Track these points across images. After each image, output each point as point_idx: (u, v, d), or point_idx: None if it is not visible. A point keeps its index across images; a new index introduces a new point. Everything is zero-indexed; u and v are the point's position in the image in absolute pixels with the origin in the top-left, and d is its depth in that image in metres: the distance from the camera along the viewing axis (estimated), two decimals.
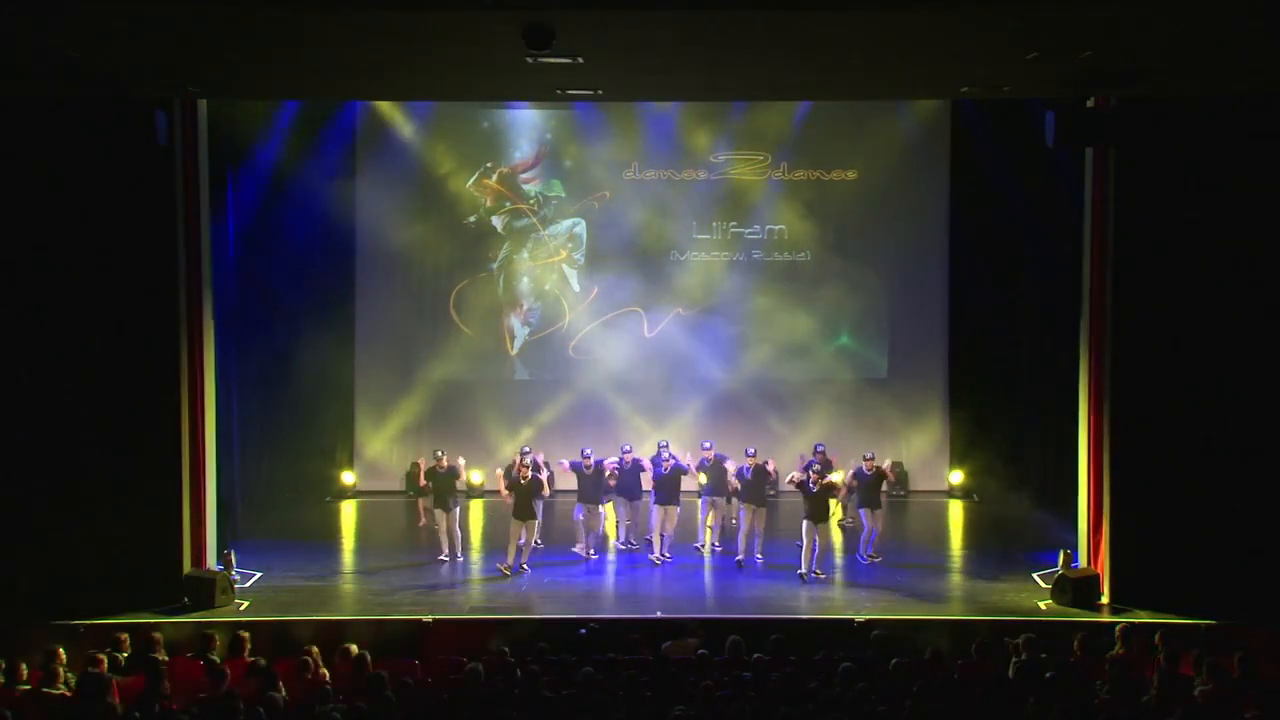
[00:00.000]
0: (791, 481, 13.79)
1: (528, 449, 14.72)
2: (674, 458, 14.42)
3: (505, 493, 13.89)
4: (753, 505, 14.01)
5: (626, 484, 14.54)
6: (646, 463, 14.48)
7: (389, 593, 13.02)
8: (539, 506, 14.20)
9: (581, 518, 14.33)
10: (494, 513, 14.72)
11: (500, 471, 14.18)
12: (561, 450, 15.66)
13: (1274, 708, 8.47)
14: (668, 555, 14.21)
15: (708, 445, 14.78)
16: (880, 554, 14.18)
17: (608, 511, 14.69)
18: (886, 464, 15.24)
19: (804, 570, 13.42)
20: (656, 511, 14.26)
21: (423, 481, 14.69)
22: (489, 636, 11.43)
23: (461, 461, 14.66)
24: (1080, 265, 13.08)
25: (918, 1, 8.46)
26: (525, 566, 13.75)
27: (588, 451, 14.51)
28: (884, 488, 14.51)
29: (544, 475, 14.31)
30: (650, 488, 14.46)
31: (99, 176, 12.25)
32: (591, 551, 14.35)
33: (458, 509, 14.33)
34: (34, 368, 12.42)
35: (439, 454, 14.49)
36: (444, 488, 14.24)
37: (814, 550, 13.41)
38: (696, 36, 9.30)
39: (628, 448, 14.80)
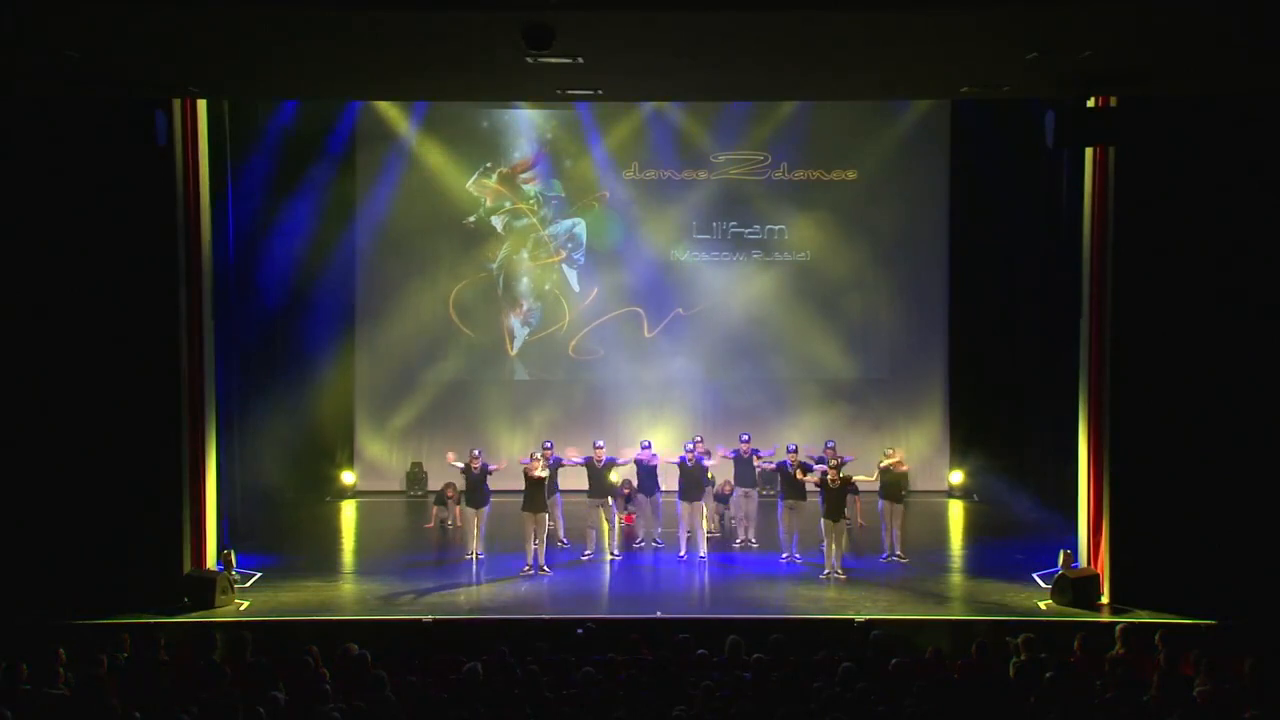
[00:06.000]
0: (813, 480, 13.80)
1: (550, 443, 14.68)
2: (698, 451, 14.36)
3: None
4: (791, 501, 14.07)
5: (644, 482, 14.61)
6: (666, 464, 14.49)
7: (389, 593, 13.02)
8: (552, 501, 14.06)
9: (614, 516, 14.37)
10: (496, 511, 14.68)
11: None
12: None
13: (1274, 708, 8.47)
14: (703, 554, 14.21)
15: (745, 438, 14.84)
16: (871, 552, 14.21)
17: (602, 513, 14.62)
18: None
19: (826, 571, 13.47)
20: (683, 508, 14.22)
21: (458, 488, 14.65)
22: (489, 636, 11.41)
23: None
24: (1080, 265, 13.07)
25: (918, 2, 8.47)
26: (545, 568, 13.71)
27: (600, 444, 14.50)
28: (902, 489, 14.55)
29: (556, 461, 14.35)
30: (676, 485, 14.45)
31: (99, 176, 12.25)
32: (590, 549, 14.40)
33: (488, 507, 14.29)
34: (34, 367, 12.41)
35: (475, 453, 14.38)
36: (477, 486, 14.22)
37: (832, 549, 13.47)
38: (696, 37, 9.30)
39: (647, 444, 14.86)
